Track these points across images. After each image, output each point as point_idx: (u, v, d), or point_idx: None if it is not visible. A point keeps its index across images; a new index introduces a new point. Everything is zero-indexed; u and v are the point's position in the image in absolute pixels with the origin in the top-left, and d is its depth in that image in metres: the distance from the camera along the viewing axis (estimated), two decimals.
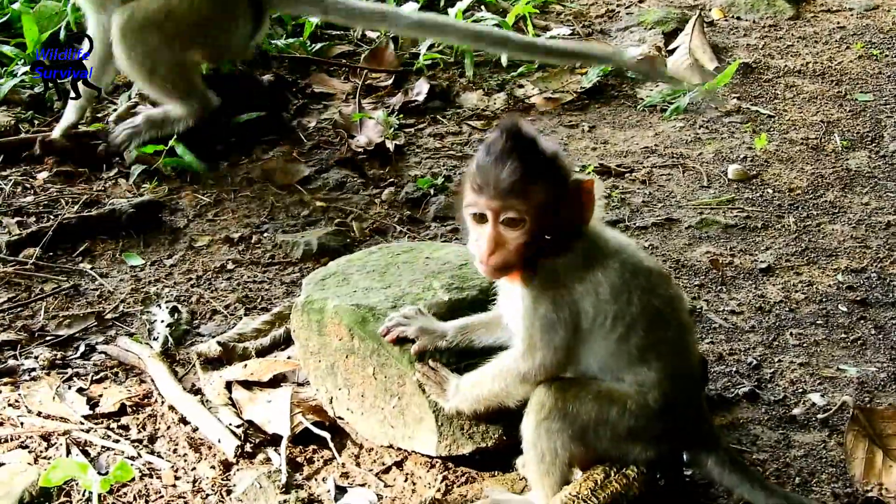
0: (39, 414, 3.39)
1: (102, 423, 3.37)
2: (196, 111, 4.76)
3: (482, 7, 6.14)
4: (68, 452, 3.22)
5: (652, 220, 4.53)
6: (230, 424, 3.31)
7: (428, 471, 3.18)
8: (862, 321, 3.93)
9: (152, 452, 3.26)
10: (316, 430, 3.28)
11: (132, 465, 3.14)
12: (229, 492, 3.11)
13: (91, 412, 3.41)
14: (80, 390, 3.51)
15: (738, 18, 6.38)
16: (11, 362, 3.62)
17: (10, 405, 3.42)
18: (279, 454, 3.22)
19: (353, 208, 4.59)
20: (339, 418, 3.32)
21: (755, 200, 4.69)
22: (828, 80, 5.71)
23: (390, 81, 5.55)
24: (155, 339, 3.73)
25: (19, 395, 3.47)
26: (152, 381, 3.53)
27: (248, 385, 3.47)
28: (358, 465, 3.22)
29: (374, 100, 5.43)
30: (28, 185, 4.65)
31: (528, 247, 2.72)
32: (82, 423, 3.35)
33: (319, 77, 5.60)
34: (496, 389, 2.89)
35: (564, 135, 5.19)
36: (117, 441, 3.28)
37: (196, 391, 3.49)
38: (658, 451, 2.87)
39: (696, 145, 5.11)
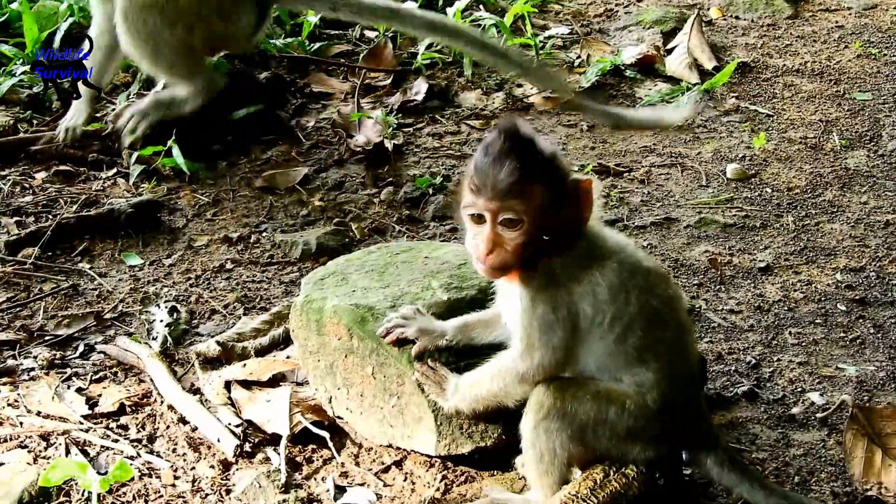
0: (39, 414, 3.39)
1: (101, 422, 3.37)
2: (202, 91, 4.78)
3: (480, 7, 6.13)
4: (67, 452, 3.22)
5: (650, 219, 4.53)
6: (229, 424, 3.31)
7: (427, 470, 3.18)
8: (861, 320, 3.93)
9: (151, 452, 3.26)
10: (315, 430, 3.28)
11: (131, 464, 3.14)
12: (228, 491, 3.12)
13: (90, 412, 3.41)
14: (79, 390, 3.51)
15: (737, 17, 6.37)
16: (10, 362, 3.62)
17: (9, 405, 3.42)
18: (278, 454, 3.22)
19: (351, 208, 4.58)
20: (339, 418, 3.32)
21: (754, 199, 4.69)
22: (826, 79, 5.71)
23: (389, 81, 5.55)
24: (154, 339, 3.73)
25: (18, 394, 3.47)
26: (151, 380, 3.53)
27: (247, 385, 3.47)
28: (357, 464, 3.22)
29: (372, 99, 5.42)
30: (27, 185, 4.65)
31: (526, 247, 2.72)
32: (81, 423, 3.35)
33: (318, 76, 5.59)
34: (495, 389, 2.89)
35: (563, 134, 5.19)
36: (116, 441, 3.28)
37: (195, 391, 3.49)
38: (657, 451, 2.87)
39: (695, 144, 5.11)
